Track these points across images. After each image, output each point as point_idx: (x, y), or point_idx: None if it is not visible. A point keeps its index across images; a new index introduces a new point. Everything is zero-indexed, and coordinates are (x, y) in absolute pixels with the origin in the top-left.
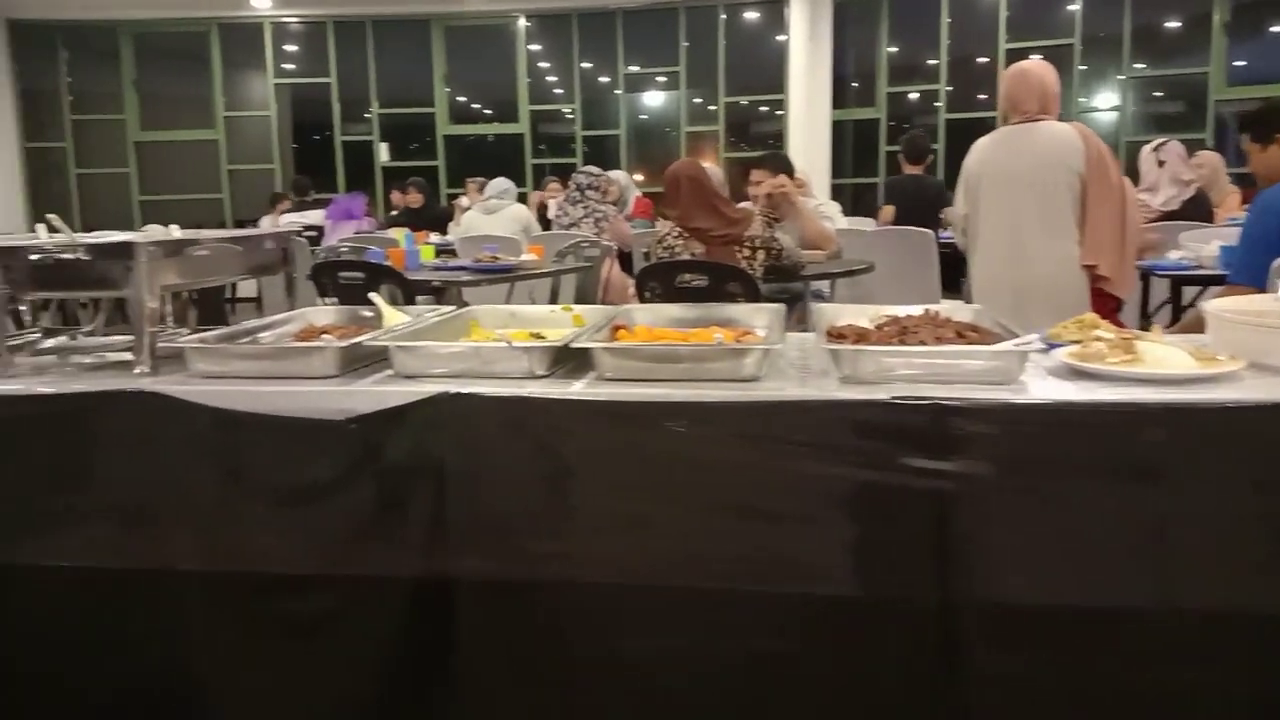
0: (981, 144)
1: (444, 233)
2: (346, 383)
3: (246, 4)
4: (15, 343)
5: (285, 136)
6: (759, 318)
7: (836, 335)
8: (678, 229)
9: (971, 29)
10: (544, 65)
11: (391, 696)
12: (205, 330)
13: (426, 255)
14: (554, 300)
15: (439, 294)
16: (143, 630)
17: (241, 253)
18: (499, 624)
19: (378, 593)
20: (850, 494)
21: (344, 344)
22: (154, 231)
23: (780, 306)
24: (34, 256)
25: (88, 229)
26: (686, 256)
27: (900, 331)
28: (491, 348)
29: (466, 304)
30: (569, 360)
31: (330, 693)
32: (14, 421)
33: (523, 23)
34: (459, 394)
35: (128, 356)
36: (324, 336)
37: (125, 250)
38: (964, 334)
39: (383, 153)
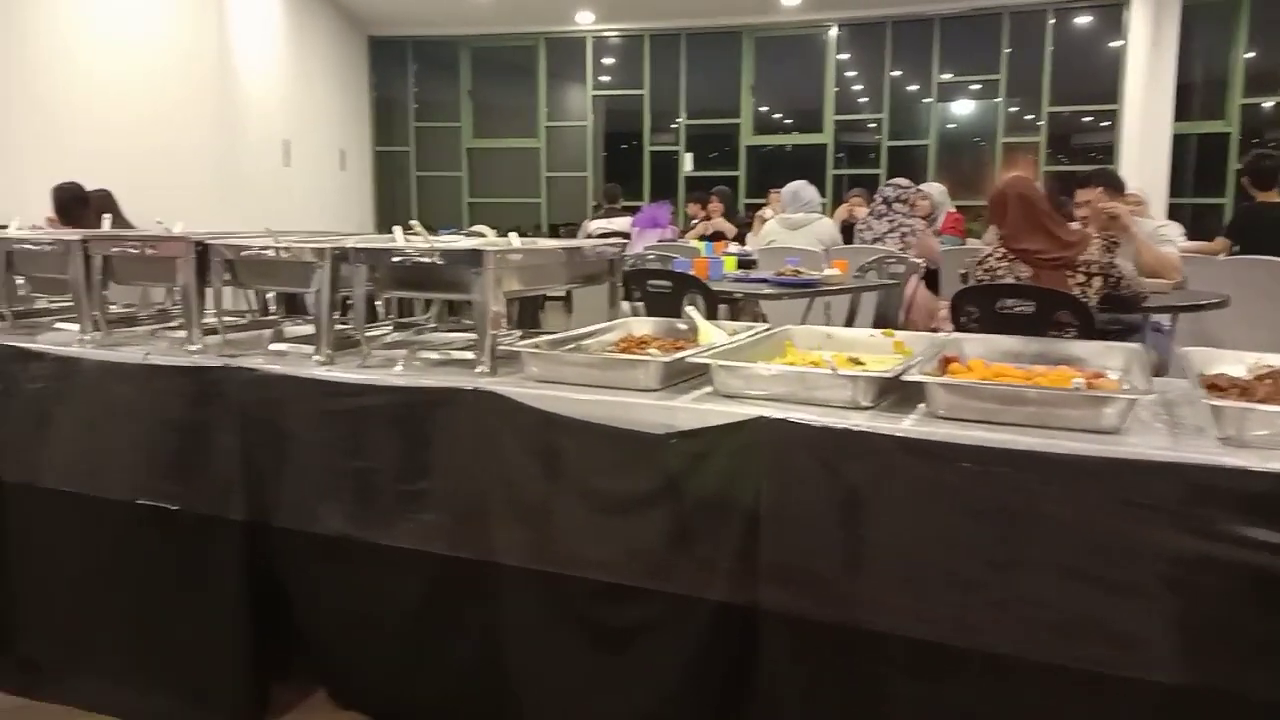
0: None
1: (742, 242)
2: (667, 397)
3: (572, 19)
4: (372, 334)
5: (598, 145)
6: (1112, 358)
7: (1213, 387)
8: (1001, 250)
9: None
10: (850, 74)
11: (689, 718)
12: (534, 333)
13: (729, 266)
14: (852, 318)
15: (735, 305)
16: (465, 617)
17: (572, 261)
18: (802, 660)
19: (685, 612)
20: (1225, 577)
21: (668, 359)
22: (487, 235)
23: (1138, 348)
24: (395, 259)
25: (425, 228)
26: (1010, 280)
27: None
28: (815, 373)
29: (763, 315)
30: (895, 391)
31: (631, 704)
32: (370, 409)
33: (834, 32)
34: (779, 419)
35: (469, 355)
36: (650, 351)
37: (475, 258)
38: None
39: (686, 162)
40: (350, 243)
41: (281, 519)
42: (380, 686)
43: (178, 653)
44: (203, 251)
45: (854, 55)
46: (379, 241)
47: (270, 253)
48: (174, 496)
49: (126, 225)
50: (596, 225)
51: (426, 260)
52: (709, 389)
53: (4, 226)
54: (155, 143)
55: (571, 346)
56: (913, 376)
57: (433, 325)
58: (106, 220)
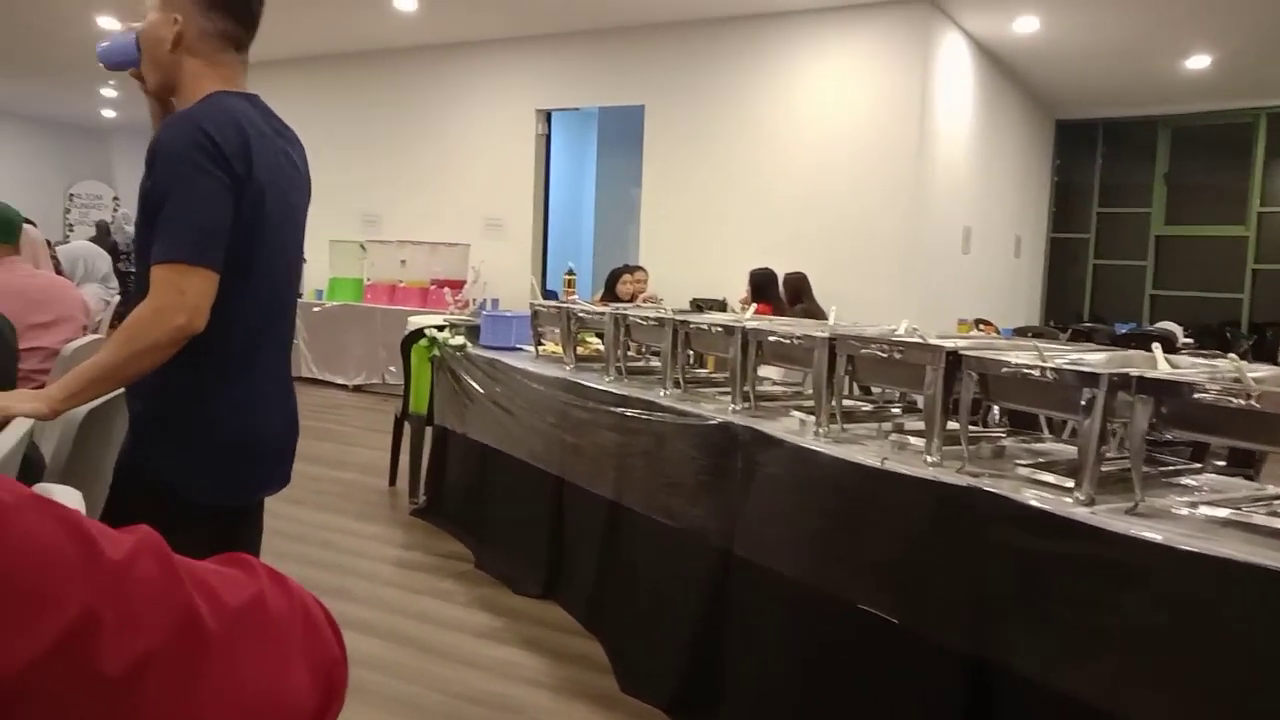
0: None
1: None
2: None
3: None
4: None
5: None
6: None
7: None
8: None
9: None
10: None
11: None
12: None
13: None
14: None
15: None
16: None
17: None
18: None
19: None
20: None
21: None
22: (1177, 334)
23: None
24: (1197, 395)
25: (1095, 319)
26: None
27: None
28: None
29: None
30: None
31: None
32: (1147, 571)
33: None
34: None
35: (1269, 519)
36: None
37: None
38: None
39: None
40: (1130, 369)
41: (1018, 663)
42: None
43: None
44: (953, 361)
45: None
46: (1151, 368)
47: (1034, 372)
48: (895, 610)
49: (818, 308)
50: None
51: (1258, 406)
52: None
53: (711, 302)
54: (847, 225)
55: None
56: None
57: (1184, 465)
58: (833, 315)
